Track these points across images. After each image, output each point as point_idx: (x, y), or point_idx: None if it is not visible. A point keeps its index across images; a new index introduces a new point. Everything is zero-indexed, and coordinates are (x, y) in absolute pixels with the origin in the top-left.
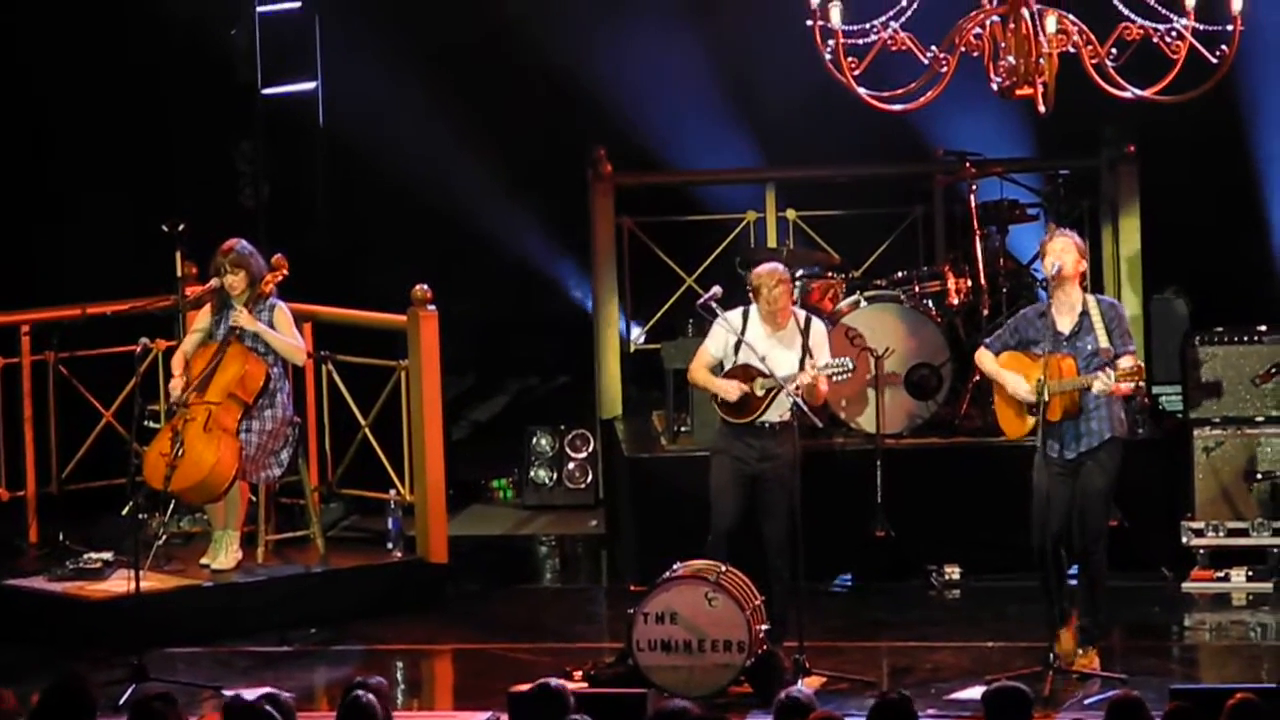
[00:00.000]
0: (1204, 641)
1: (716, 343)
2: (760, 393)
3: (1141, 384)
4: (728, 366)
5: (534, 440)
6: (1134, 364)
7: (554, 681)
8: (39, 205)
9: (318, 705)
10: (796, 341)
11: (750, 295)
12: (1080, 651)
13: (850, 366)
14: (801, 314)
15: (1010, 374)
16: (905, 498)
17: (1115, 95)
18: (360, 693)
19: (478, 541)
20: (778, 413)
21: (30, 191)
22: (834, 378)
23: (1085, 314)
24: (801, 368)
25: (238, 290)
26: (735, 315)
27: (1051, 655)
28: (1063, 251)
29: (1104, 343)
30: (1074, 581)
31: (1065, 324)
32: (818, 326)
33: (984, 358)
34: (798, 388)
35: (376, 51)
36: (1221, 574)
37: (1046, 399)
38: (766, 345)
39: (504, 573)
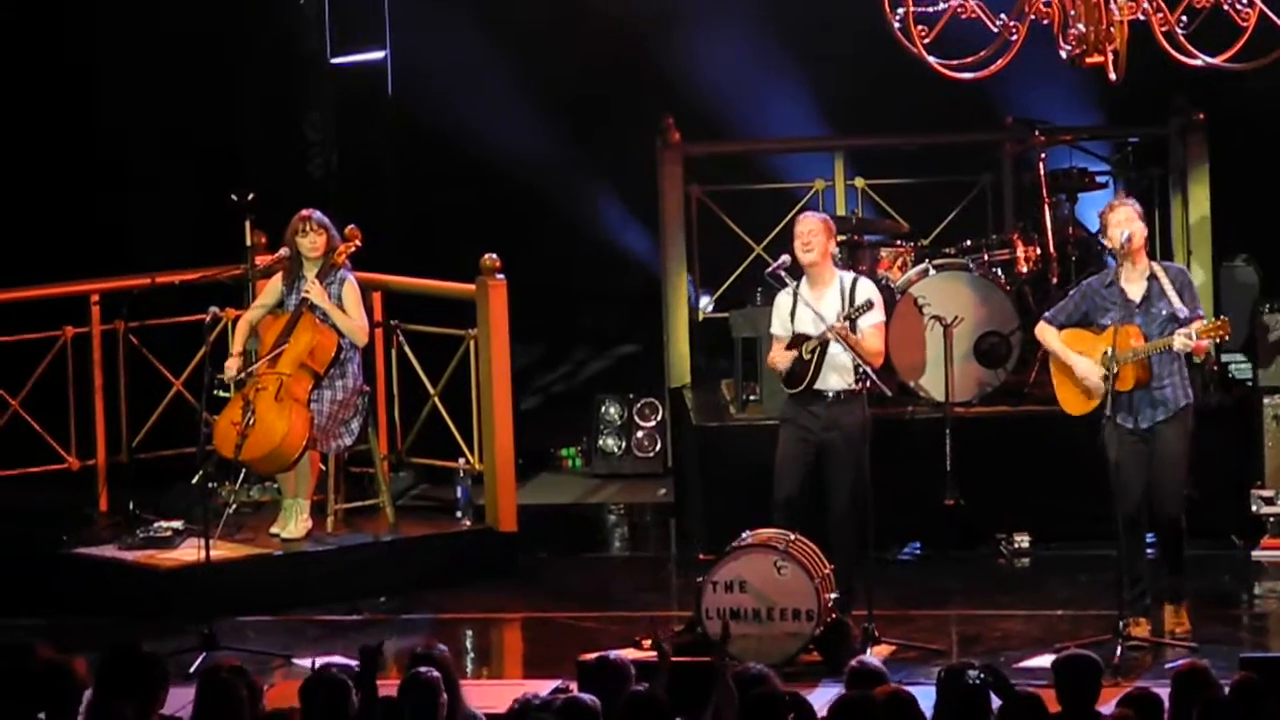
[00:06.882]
0: (1274, 610)
1: (775, 323)
2: (807, 356)
3: (1228, 336)
4: None
5: (603, 409)
6: (1220, 320)
7: (614, 654)
8: (109, 175)
9: (387, 674)
10: (840, 301)
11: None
12: (1174, 610)
13: (872, 303)
14: (848, 276)
15: (1078, 357)
16: (974, 466)
17: (1185, 63)
18: (423, 669)
19: (546, 510)
20: (841, 380)
21: (100, 161)
22: (856, 319)
23: (1154, 279)
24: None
25: (318, 251)
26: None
27: (1121, 624)
28: (1129, 221)
29: (1178, 305)
30: (1150, 552)
31: (1135, 291)
32: (864, 284)
33: (1047, 333)
34: (835, 335)
35: (445, 20)
36: None
37: (1116, 370)
38: (815, 306)
39: (573, 541)
